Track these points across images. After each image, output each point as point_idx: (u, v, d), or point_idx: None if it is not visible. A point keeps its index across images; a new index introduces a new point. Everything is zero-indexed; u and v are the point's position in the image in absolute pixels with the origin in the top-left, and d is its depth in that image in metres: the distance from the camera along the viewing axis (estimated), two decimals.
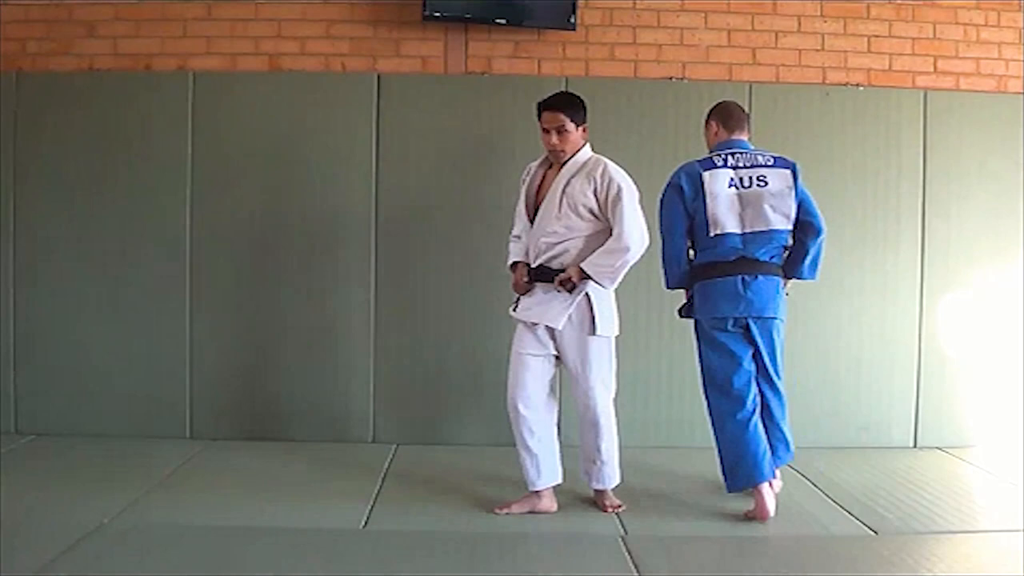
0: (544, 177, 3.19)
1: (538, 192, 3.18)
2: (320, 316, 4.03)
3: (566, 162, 3.09)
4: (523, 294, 3.14)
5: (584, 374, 3.06)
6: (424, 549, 2.72)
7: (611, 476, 3.15)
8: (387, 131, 4.01)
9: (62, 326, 4.03)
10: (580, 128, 3.09)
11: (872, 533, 2.94)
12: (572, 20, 3.98)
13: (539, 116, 3.13)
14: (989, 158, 4.12)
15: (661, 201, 3.23)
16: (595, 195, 3.03)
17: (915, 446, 4.11)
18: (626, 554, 2.69)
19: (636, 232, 3.01)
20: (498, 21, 3.97)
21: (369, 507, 3.10)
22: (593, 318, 3.04)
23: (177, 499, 3.16)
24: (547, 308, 3.05)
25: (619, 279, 3.04)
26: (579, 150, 3.11)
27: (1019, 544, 2.85)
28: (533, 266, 3.12)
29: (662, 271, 3.27)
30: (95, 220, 4.02)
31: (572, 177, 3.07)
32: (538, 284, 3.09)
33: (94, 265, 4.03)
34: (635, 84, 4.08)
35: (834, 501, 3.26)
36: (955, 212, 4.12)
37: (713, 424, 3.22)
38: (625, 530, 2.93)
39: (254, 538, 2.77)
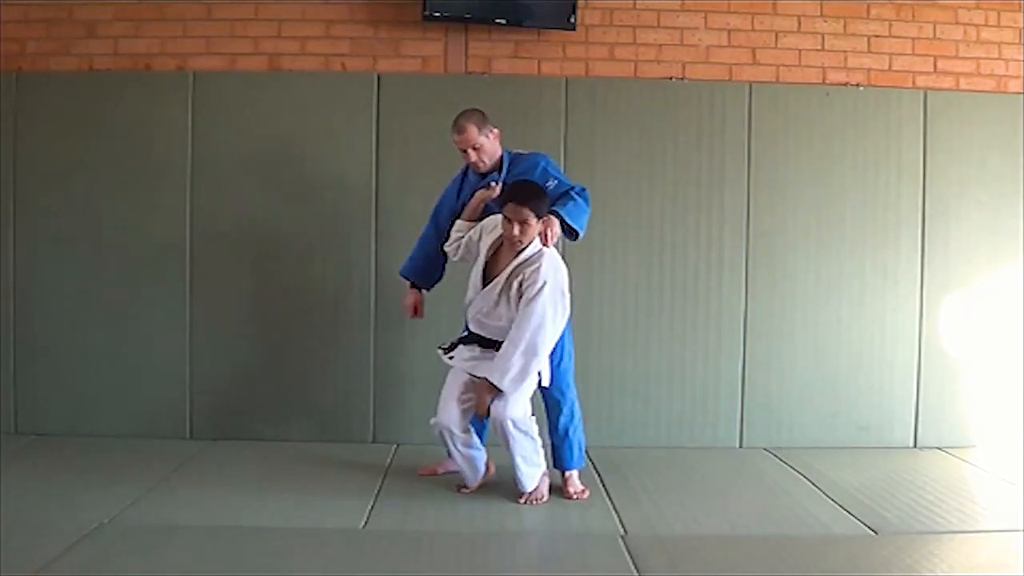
0: (499, 250, 3.14)
1: (487, 265, 3.15)
2: (320, 316, 4.03)
3: (519, 252, 3.06)
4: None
5: (499, 395, 3.04)
6: (424, 549, 2.72)
7: (521, 484, 3.17)
8: (387, 131, 4.02)
9: (62, 326, 4.03)
10: (540, 221, 3.03)
11: (872, 533, 2.94)
12: (572, 20, 3.98)
13: (503, 202, 3.05)
14: (989, 158, 4.12)
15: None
16: (520, 288, 3.04)
17: (915, 446, 4.11)
18: (626, 554, 2.69)
19: (535, 335, 2.98)
20: (498, 21, 3.97)
21: (369, 507, 3.10)
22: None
23: (177, 499, 3.16)
24: (491, 365, 3.05)
25: (524, 385, 3.02)
26: (532, 241, 3.07)
27: (1019, 544, 2.85)
28: (472, 330, 3.19)
29: None
30: (95, 220, 4.02)
31: (513, 272, 3.05)
32: (476, 345, 3.16)
33: (94, 265, 4.03)
34: (635, 84, 4.08)
35: (834, 501, 3.26)
36: (955, 212, 4.12)
37: (573, 410, 3.33)
38: (625, 530, 2.92)
39: (254, 538, 2.77)
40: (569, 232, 3.18)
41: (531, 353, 2.99)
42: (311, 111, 4.02)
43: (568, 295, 3.08)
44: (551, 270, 3.03)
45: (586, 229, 3.23)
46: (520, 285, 3.03)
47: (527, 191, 3.03)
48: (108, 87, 4.02)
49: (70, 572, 2.47)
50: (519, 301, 3.03)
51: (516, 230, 3.00)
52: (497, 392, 3.02)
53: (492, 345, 3.10)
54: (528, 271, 3.02)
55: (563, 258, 3.15)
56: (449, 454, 3.28)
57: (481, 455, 3.26)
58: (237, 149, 4.03)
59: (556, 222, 3.09)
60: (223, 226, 4.03)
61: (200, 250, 4.02)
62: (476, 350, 3.15)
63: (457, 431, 3.15)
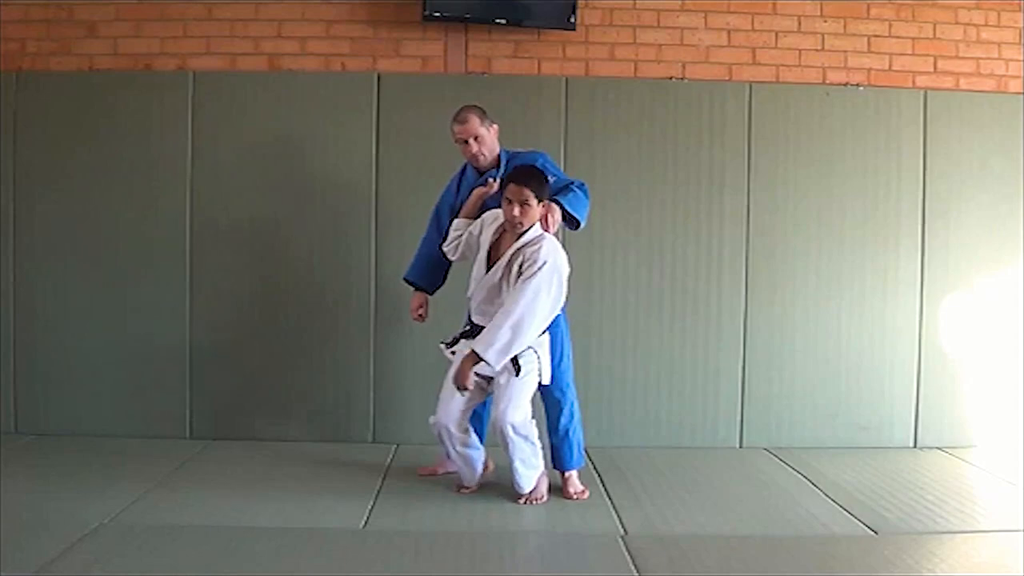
0: (500, 238, 3.15)
1: (490, 254, 3.16)
2: (320, 315, 4.03)
3: (521, 235, 3.08)
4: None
5: (505, 396, 3.07)
6: (424, 549, 2.72)
7: (519, 486, 3.17)
8: (387, 131, 4.02)
9: (62, 326, 4.03)
10: (541, 204, 3.07)
11: (872, 533, 2.94)
12: (572, 20, 3.98)
13: (503, 184, 3.10)
14: (989, 158, 4.12)
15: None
16: (520, 269, 3.04)
17: (915, 446, 4.11)
18: (626, 554, 2.69)
19: (527, 311, 2.97)
20: (498, 21, 3.97)
21: (369, 507, 3.10)
22: (544, 368, 3.15)
23: (177, 499, 3.16)
24: (479, 336, 3.06)
25: (505, 357, 3.00)
26: (533, 225, 3.09)
27: (1019, 544, 2.85)
28: (474, 320, 3.18)
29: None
30: (95, 220, 4.02)
31: (514, 254, 3.07)
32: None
33: (94, 265, 4.03)
34: (635, 84, 4.08)
35: (834, 501, 3.26)
36: (955, 212, 4.12)
37: (573, 410, 3.32)
38: (625, 530, 2.92)
39: (254, 538, 2.77)
40: (570, 222, 3.20)
41: (520, 329, 2.98)
42: (311, 111, 4.02)
43: (566, 282, 3.07)
44: (552, 252, 3.04)
45: (586, 222, 3.25)
46: (521, 266, 3.03)
47: (527, 172, 3.07)
48: (108, 87, 4.02)
49: (70, 572, 2.47)
50: (512, 284, 3.04)
51: (516, 211, 3.02)
52: (479, 362, 3.01)
53: None
54: (529, 251, 3.04)
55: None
56: (448, 454, 3.29)
57: (479, 454, 3.26)
58: (237, 149, 4.03)
59: (557, 209, 3.12)
60: (223, 226, 4.03)
61: (200, 250, 4.02)
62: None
63: (455, 431, 3.14)
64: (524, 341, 3.01)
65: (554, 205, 3.12)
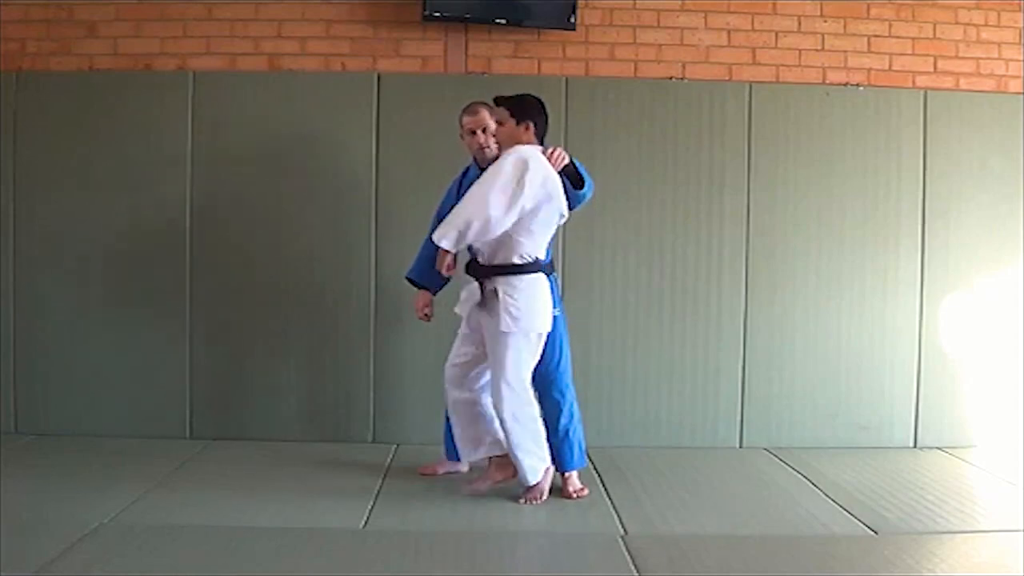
0: None
1: None
2: (320, 316, 4.03)
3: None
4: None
5: (493, 371, 3.10)
6: (424, 549, 2.72)
7: (523, 477, 3.15)
8: (387, 131, 4.02)
9: (62, 326, 4.03)
10: (524, 127, 3.10)
11: (872, 533, 2.94)
12: (572, 20, 3.98)
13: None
14: (989, 158, 4.12)
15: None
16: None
17: (915, 446, 4.11)
18: (626, 554, 2.69)
19: (487, 188, 2.98)
20: (498, 21, 3.97)
21: (369, 507, 3.10)
22: (506, 314, 3.02)
23: (177, 499, 3.16)
24: (464, 299, 3.17)
25: (452, 238, 3.00)
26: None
27: (1019, 544, 2.85)
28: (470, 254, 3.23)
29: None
30: (95, 220, 4.02)
31: (493, 164, 3.12)
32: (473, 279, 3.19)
33: (94, 265, 4.03)
34: (635, 84, 4.08)
35: (834, 501, 3.26)
36: (955, 212, 4.12)
37: (572, 410, 3.33)
38: (625, 530, 2.92)
39: (254, 538, 2.77)
40: (575, 181, 3.20)
41: (472, 201, 2.99)
42: (311, 111, 4.02)
43: (535, 176, 2.99)
44: (526, 149, 3.05)
45: (591, 192, 3.27)
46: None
47: (506, 95, 3.12)
48: (108, 87, 4.02)
49: (70, 572, 2.46)
50: None
51: (495, 129, 3.13)
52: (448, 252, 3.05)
53: (483, 273, 3.11)
54: (504, 155, 3.07)
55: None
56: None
57: (471, 431, 3.21)
58: (237, 149, 4.02)
59: (561, 150, 3.15)
60: (223, 226, 4.03)
61: (200, 249, 4.02)
62: (468, 290, 3.17)
63: (449, 386, 3.20)
64: (474, 218, 2.96)
65: (560, 148, 3.16)
